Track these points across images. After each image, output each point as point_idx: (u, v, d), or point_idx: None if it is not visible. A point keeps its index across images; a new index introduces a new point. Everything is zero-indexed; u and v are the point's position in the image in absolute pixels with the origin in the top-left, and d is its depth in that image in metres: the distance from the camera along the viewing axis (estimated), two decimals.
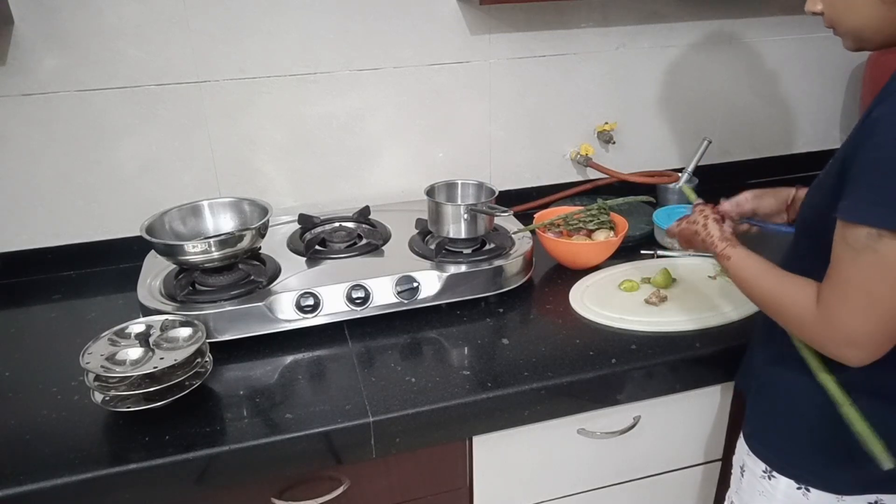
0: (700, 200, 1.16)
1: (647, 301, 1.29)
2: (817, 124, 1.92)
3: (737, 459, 1.09)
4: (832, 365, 0.90)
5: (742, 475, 1.06)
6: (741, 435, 1.07)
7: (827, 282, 0.82)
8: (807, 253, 0.92)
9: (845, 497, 0.93)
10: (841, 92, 1.90)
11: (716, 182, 1.77)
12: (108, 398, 1.01)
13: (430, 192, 1.37)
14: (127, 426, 1.00)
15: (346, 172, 1.57)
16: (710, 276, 1.37)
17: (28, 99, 1.33)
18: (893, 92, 0.79)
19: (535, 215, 1.48)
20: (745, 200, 1.14)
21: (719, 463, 1.32)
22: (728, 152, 1.86)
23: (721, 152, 1.84)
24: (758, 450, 1.01)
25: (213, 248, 1.17)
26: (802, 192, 1.13)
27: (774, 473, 0.98)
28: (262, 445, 0.97)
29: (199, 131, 1.44)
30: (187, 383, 1.03)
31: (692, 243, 1.10)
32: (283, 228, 1.44)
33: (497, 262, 1.29)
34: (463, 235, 1.33)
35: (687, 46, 1.70)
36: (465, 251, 1.33)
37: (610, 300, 1.30)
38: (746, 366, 1.10)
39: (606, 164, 1.71)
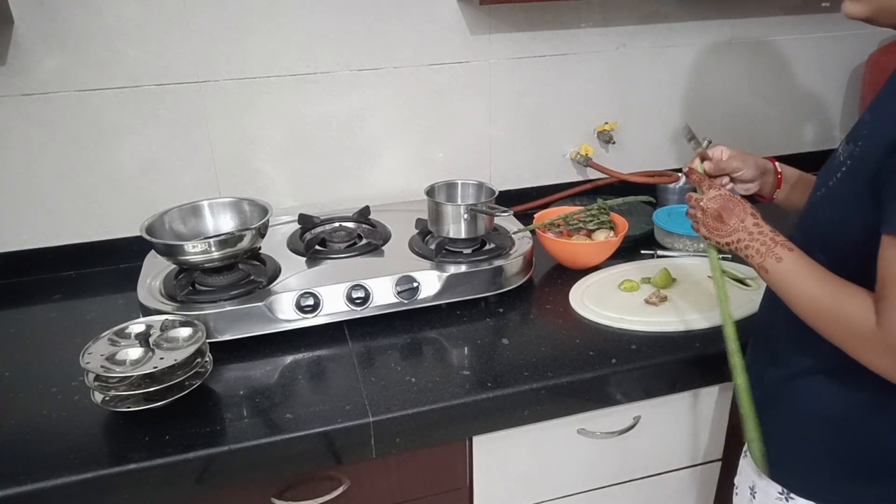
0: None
1: (647, 301, 1.29)
2: (817, 124, 1.92)
3: (743, 480, 1.05)
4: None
5: (753, 497, 1.02)
6: (746, 455, 1.05)
7: (882, 301, 0.77)
8: (824, 265, 0.87)
9: None
10: (841, 92, 1.90)
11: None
12: (108, 398, 1.01)
13: (430, 192, 1.37)
14: (127, 426, 1.00)
15: (346, 172, 1.57)
16: (709, 276, 1.37)
17: (28, 99, 1.33)
18: None
19: (535, 215, 1.48)
20: (726, 161, 1.05)
21: (719, 463, 1.32)
22: None
23: None
24: (774, 473, 0.98)
25: (213, 248, 1.17)
26: (782, 168, 1.11)
27: (792, 495, 0.95)
28: (262, 445, 0.97)
29: (199, 131, 1.44)
30: (187, 383, 1.03)
31: (715, 228, 0.97)
32: (283, 228, 1.44)
33: (497, 262, 1.29)
34: (463, 235, 1.33)
35: (687, 46, 1.70)
36: (465, 251, 1.33)
37: (610, 300, 1.30)
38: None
39: (606, 164, 1.71)
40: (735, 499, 1.09)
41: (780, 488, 0.97)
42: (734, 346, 0.98)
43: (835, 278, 0.83)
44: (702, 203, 1.00)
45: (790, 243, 0.89)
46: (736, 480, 1.09)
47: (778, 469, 0.98)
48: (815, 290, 0.84)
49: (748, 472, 1.04)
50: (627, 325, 1.22)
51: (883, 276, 0.77)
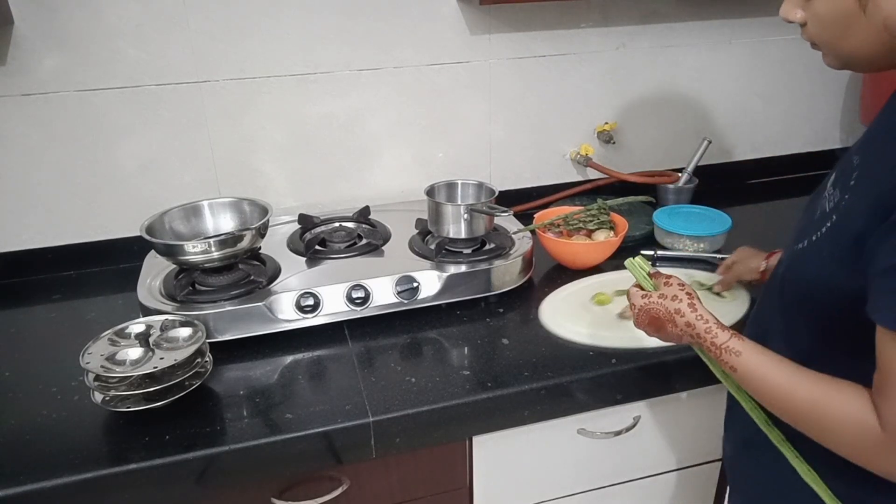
0: (655, 270, 0.96)
1: None
2: (817, 124, 1.92)
3: None
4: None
5: None
6: None
7: (887, 400, 0.67)
8: (807, 333, 0.81)
9: None
10: (841, 92, 1.90)
11: (716, 182, 1.78)
12: (108, 398, 1.01)
13: (430, 192, 1.37)
14: (127, 426, 1.00)
15: (346, 172, 1.57)
16: (701, 284, 1.37)
17: (28, 99, 1.33)
18: None
19: (535, 215, 1.48)
20: (732, 274, 1.22)
21: (719, 463, 1.32)
22: (728, 152, 1.86)
23: (721, 152, 1.84)
24: None
25: (213, 248, 1.17)
26: (774, 259, 1.11)
27: None
28: (262, 445, 0.98)
29: (199, 131, 1.44)
30: (187, 383, 1.03)
31: (665, 339, 0.92)
32: (283, 228, 1.44)
33: (497, 262, 1.29)
34: (463, 235, 1.33)
35: (687, 46, 1.70)
36: (465, 251, 1.33)
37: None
38: (736, 440, 0.98)
39: (606, 164, 1.71)
40: None
41: None
42: (776, 435, 0.86)
43: (806, 371, 0.75)
44: (634, 322, 0.95)
45: (739, 343, 0.80)
46: None
47: None
48: (790, 392, 0.75)
49: None
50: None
51: (883, 366, 0.68)
